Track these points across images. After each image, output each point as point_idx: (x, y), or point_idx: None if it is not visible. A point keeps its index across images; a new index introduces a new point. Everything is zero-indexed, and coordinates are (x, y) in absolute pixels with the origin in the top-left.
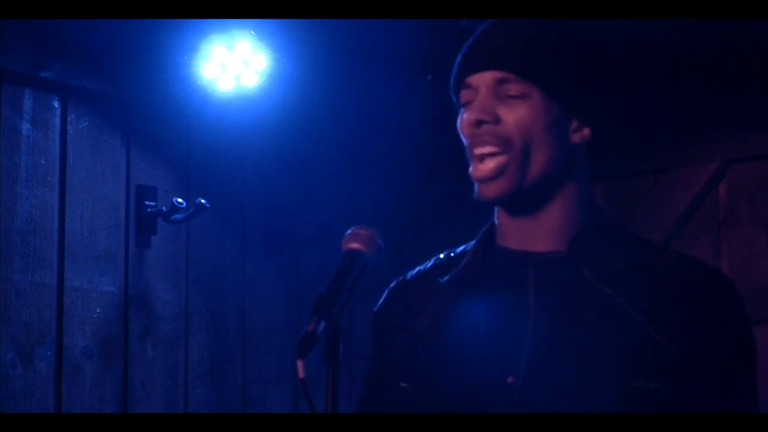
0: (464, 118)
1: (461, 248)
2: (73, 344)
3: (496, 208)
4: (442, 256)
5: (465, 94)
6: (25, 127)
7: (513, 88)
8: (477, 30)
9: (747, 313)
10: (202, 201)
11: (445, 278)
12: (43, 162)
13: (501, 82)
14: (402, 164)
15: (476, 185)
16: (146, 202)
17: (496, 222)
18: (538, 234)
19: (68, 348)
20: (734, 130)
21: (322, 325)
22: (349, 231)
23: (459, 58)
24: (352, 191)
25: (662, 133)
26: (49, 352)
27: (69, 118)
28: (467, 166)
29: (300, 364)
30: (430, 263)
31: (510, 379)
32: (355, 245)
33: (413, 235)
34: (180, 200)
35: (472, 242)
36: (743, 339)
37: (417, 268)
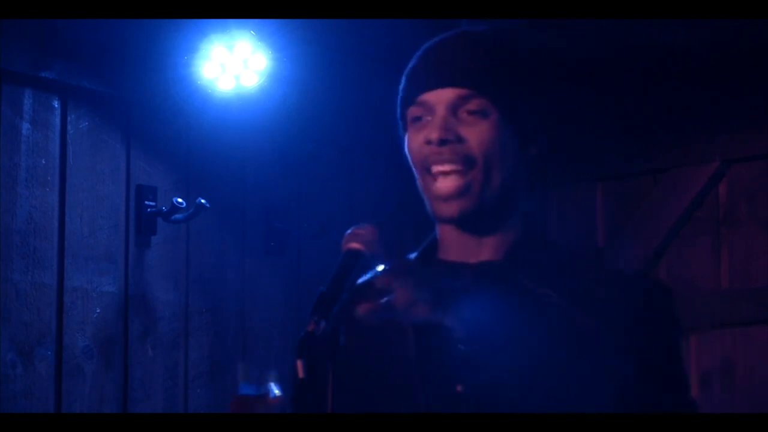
0: (422, 136)
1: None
2: (73, 344)
3: (437, 223)
4: (380, 268)
5: (415, 111)
6: (25, 127)
7: (473, 105)
8: (423, 48)
9: (672, 306)
10: (202, 201)
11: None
12: (43, 162)
13: (462, 98)
14: (402, 164)
15: (433, 202)
16: (146, 202)
17: (438, 236)
18: (479, 246)
19: (68, 348)
20: (734, 130)
21: (322, 324)
22: (349, 231)
23: (410, 73)
24: (352, 191)
25: (662, 133)
26: (49, 352)
27: (69, 118)
28: None
29: (300, 364)
30: (369, 275)
31: (459, 388)
32: (354, 245)
33: (413, 235)
34: (180, 200)
35: (412, 255)
36: (671, 334)
37: (360, 279)
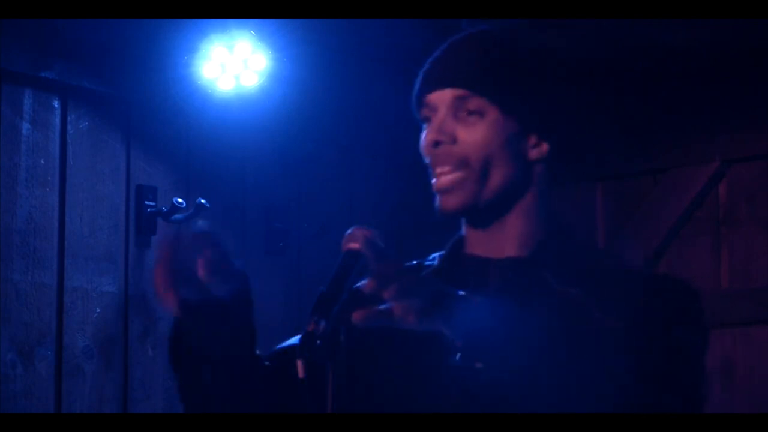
0: (423, 137)
1: (432, 257)
2: (73, 344)
3: (463, 221)
4: (413, 263)
5: (424, 111)
6: (25, 127)
7: (471, 105)
8: (437, 49)
9: (704, 311)
10: (202, 201)
11: None
12: (43, 162)
13: (459, 99)
14: (402, 164)
15: (437, 198)
16: (146, 202)
17: (464, 232)
18: (502, 242)
19: (68, 348)
20: (734, 130)
21: (322, 324)
22: (349, 231)
23: (420, 75)
24: (352, 191)
25: (662, 133)
26: (49, 352)
27: (69, 118)
28: None
29: (300, 364)
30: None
31: (479, 365)
32: (354, 245)
33: (413, 236)
34: (180, 200)
35: (437, 254)
36: (696, 334)
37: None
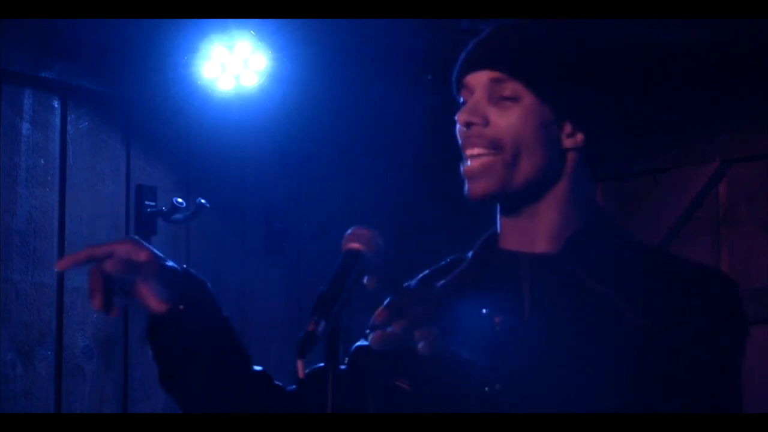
0: (457, 119)
1: (469, 253)
2: (73, 344)
3: (497, 215)
4: (449, 259)
5: (463, 94)
6: (25, 127)
7: (506, 89)
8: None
9: (744, 314)
10: (202, 201)
11: (444, 281)
12: (43, 162)
13: (495, 81)
14: (402, 164)
15: (466, 184)
16: (146, 202)
17: (498, 228)
18: (535, 235)
19: (68, 348)
20: (734, 130)
21: (322, 324)
22: (349, 231)
23: (460, 57)
24: (352, 191)
25: (662, 133)
26: (49, 352)
27: (69, 118)
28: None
29: (300, 364)
30: (434, 267)
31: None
32: (354, 245)
33: (413, 236)
34: (180, 200)
35: (470, 253)
36: (734, 338)
37: (422, 273)
